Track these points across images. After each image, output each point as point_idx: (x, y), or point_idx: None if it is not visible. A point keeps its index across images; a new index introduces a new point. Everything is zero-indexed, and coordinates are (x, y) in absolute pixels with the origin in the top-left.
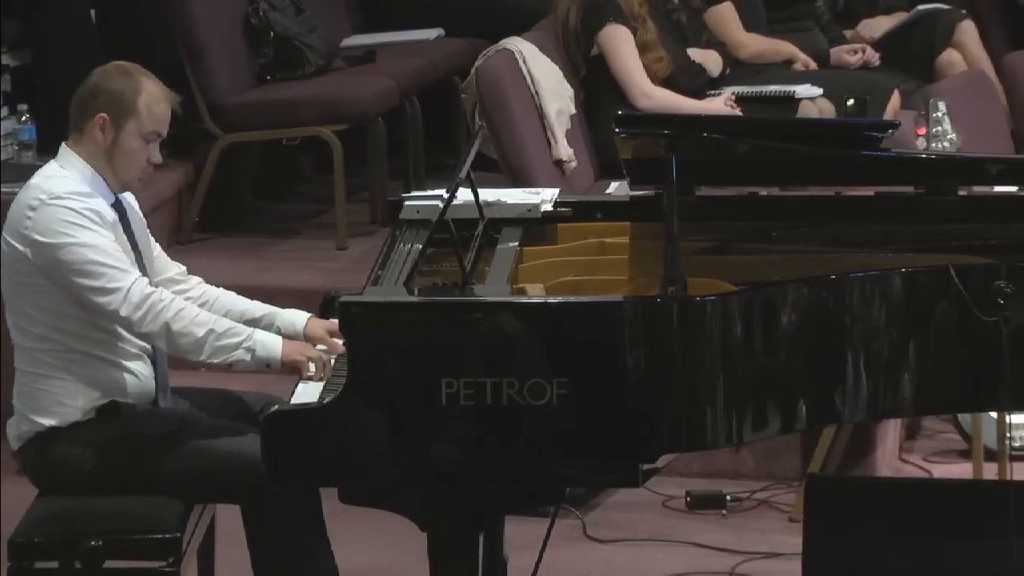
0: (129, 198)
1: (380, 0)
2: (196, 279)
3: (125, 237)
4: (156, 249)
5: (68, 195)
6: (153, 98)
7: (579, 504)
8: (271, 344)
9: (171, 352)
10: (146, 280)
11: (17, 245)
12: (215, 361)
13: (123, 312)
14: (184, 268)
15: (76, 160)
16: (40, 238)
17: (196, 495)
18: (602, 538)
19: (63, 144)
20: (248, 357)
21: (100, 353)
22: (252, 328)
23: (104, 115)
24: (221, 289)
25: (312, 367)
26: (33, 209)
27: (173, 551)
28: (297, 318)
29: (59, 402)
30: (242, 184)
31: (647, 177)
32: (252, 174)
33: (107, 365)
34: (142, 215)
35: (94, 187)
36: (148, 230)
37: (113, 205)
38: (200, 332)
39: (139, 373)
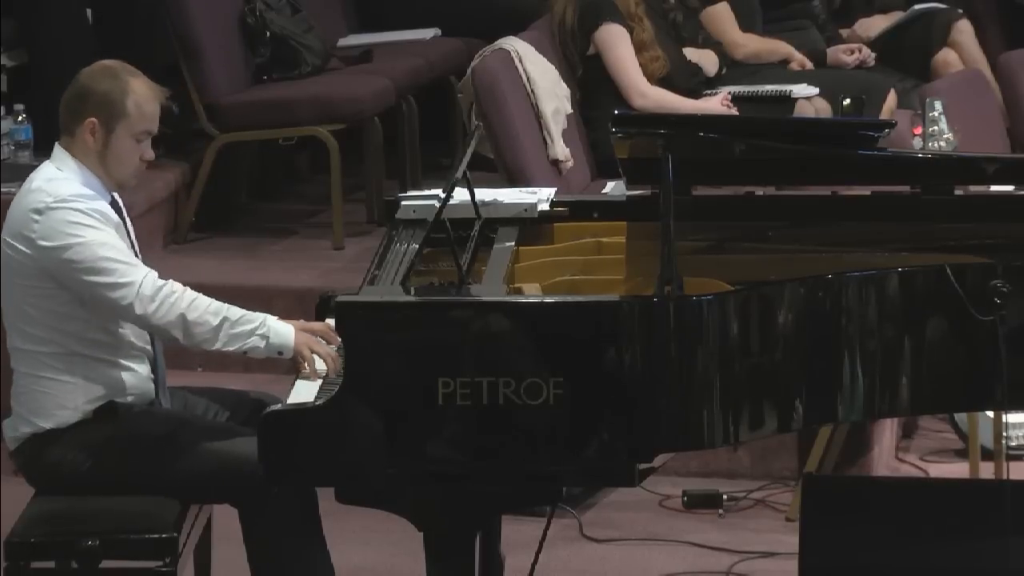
0: (119, 200)
1: (376, 0)
2: (170, 281)
3: (127, 240)
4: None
5: (73, 197)
6: (142, 97)
7: (576, 503)
8: (284, 332)
9: (186, 343)
10: (155, 273)
11: (22, 248)
12: (230, 349)
13: (137, 306)
14: (155, 273)
15: (70, 161)
16: (47, 243)
17: (193, 496)
18: (599, 537)
19: (56, 144)
20: (262, 344)
21: (101, 355)
22: (264, 314)
23: (93, 119)
24: (192, 291)
25: (320, 364)
26: (39, 213)
27: (170, 551)
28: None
29: (59, 404)
30: (238, 184)
31: (643, 177)
32: (248, 174)
33: (107, 366)
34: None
35: (92, 187)
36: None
37: (111, 204)
38: (215, 320)
39: (138, 373)
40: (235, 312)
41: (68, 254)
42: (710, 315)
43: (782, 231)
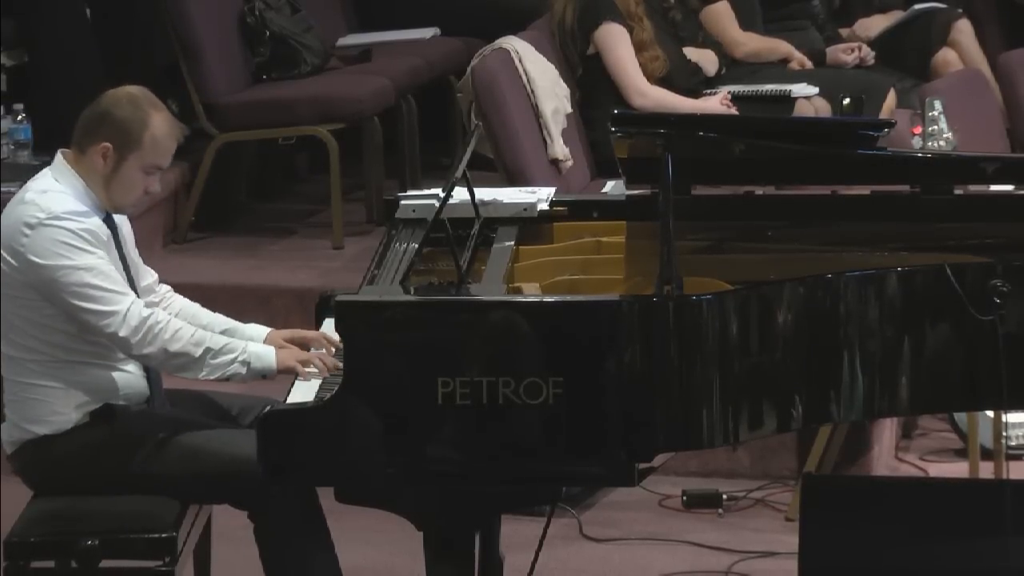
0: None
1: (376, 0)
2: (165, 287)
3: (117, 255)
4: (134, 254)
5: (66, 215)
6: (160, 132)
7: (575, 503)
8: (265, 355)
9: (168, 372)
10: (142, 302)
11: (10, 259)
12: (212, 378)
13: (121, 334)
14: (156, 276)
15: (71, 175)
16: (37, 259)
17: (193, 496)
18: (598, 537)
19: (59, 154)
20: (244, 371)
21: (90, 359)
22: (244, 341)
23: (108, 144)
24: (186, 300)
25: (314, 368)
26: (31, 227)
27: (169, 551)
28: (256, 332)
29: (52, 410)
30: (238, 183)
31: (643, 176)
32: (248, 173)
33: (99, 369)
34: (129, 225)
35: (87, 203)
36: (134, 238)
37: (104, 220)
38: (197, 352)
39: (131, 373)
40: (217, 341)
41: (55, 274)
42: (710, 315)
43: (782, 231)
